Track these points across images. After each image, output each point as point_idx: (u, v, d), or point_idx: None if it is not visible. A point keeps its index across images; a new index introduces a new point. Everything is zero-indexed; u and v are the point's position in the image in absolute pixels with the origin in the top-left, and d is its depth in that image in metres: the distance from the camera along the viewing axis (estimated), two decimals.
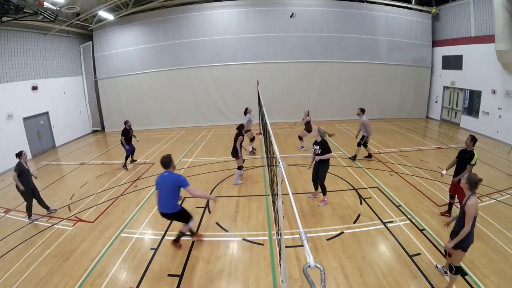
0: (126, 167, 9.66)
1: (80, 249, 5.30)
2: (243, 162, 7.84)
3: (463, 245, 3.64)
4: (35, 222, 6.40)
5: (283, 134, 13.36)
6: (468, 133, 12.90)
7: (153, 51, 15.51)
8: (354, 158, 9.38)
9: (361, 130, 9.07)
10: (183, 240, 5.42)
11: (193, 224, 5.14)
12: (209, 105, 16.04)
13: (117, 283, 4.39)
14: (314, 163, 6.34)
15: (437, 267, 4.40)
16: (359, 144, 9.19)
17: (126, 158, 9.74)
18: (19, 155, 6.34)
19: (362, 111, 8.97)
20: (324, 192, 6.46)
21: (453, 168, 5.68)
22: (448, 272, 3.86)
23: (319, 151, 6.17)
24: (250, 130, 10.41)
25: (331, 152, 6.15)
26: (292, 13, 14.56)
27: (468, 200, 3.60)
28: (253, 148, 10.66)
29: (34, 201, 6.60)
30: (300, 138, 10.77)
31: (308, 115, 10.39)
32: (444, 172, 5.70)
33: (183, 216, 4.90)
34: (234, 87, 15.57)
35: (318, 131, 6.30)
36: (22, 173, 6.28)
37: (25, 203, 6.51)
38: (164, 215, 4.75)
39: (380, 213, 6.06)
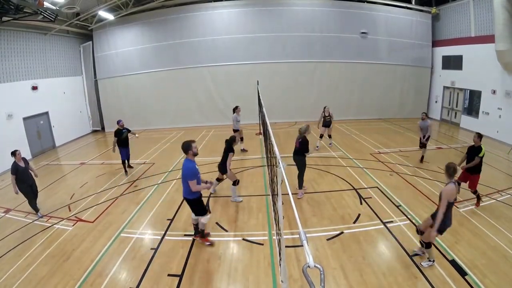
0: (126, 172, 9.14)
1: (80, 249, 5.30)
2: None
3: None
4: (35, 222, 6.40)
5: (283, 134, 13.34)
6: (468, 133, 13.05)
7: (153, 51, 15.50)
8: (422, 159, 9.14)
9: (426, 132, 8.86)
10: (183, 239, 5.43)
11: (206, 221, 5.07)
12: (209, 105, 16.03)
13: (117, 283, 4.39)
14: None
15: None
16: (425, 145, 9.01)
17: (123, 163, 9.12)
18: (13, 154, 6.31)
19: (427, 115, 9.16)
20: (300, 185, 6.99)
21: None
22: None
23: (299, 146, 6.81)
24: (238, 130, 10.35)
25: (308, 151, 6.78)
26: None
27: None
28: (243, 148, 10.77)
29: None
30: (321, 136, 10.61)
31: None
32: (458, 167, 5.95)
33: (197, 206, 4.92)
34: (234, 87, 15.55)
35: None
36: (18, 173, 6.28)
37: (31, 201, 6.56)
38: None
39: (380, 213, 6.06)
